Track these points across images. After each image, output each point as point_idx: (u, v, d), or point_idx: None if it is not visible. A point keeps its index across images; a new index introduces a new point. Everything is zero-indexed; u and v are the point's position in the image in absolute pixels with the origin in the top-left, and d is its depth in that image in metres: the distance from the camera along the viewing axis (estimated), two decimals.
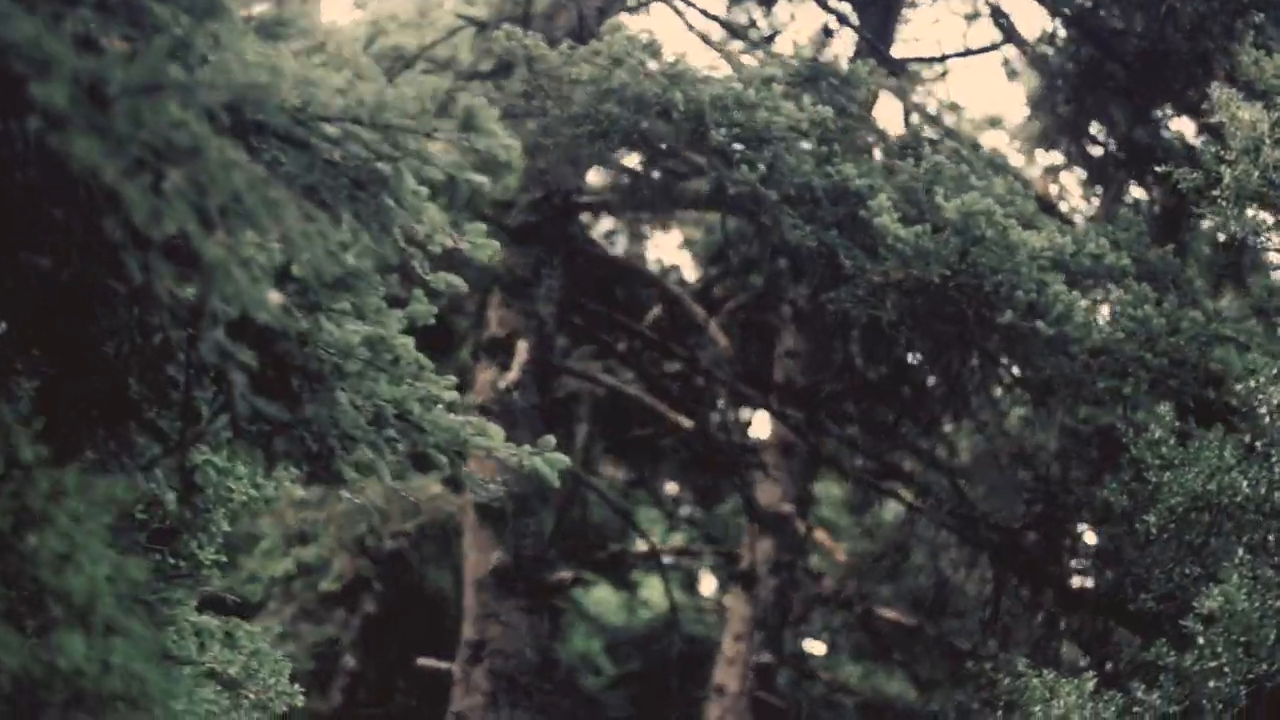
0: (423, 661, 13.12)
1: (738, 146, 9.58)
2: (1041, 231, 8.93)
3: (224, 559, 6.24)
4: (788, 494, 16.23)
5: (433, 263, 5.15)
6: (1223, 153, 8.00)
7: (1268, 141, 7.79)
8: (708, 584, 23.21)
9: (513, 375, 11.65)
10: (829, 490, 20.11)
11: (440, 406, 5.34)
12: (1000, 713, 8.25)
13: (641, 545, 16.79)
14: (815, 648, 19.48)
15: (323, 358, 4.78)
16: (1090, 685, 7.47)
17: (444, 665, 12.72)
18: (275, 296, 3.70)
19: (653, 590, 27.71)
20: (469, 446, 5.37)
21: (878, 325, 16.25)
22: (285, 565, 15.64)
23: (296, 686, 6.43)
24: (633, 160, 13.16)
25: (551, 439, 5.85)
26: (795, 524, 16.08)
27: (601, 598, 28.98)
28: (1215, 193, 8.04)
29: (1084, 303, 8.84)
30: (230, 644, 6.28)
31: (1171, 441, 8.53)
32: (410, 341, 5.19)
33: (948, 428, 15.56)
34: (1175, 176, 8.44)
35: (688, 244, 18.24)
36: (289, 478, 6.21)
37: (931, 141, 11.69)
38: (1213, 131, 9.11)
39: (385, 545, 15.23)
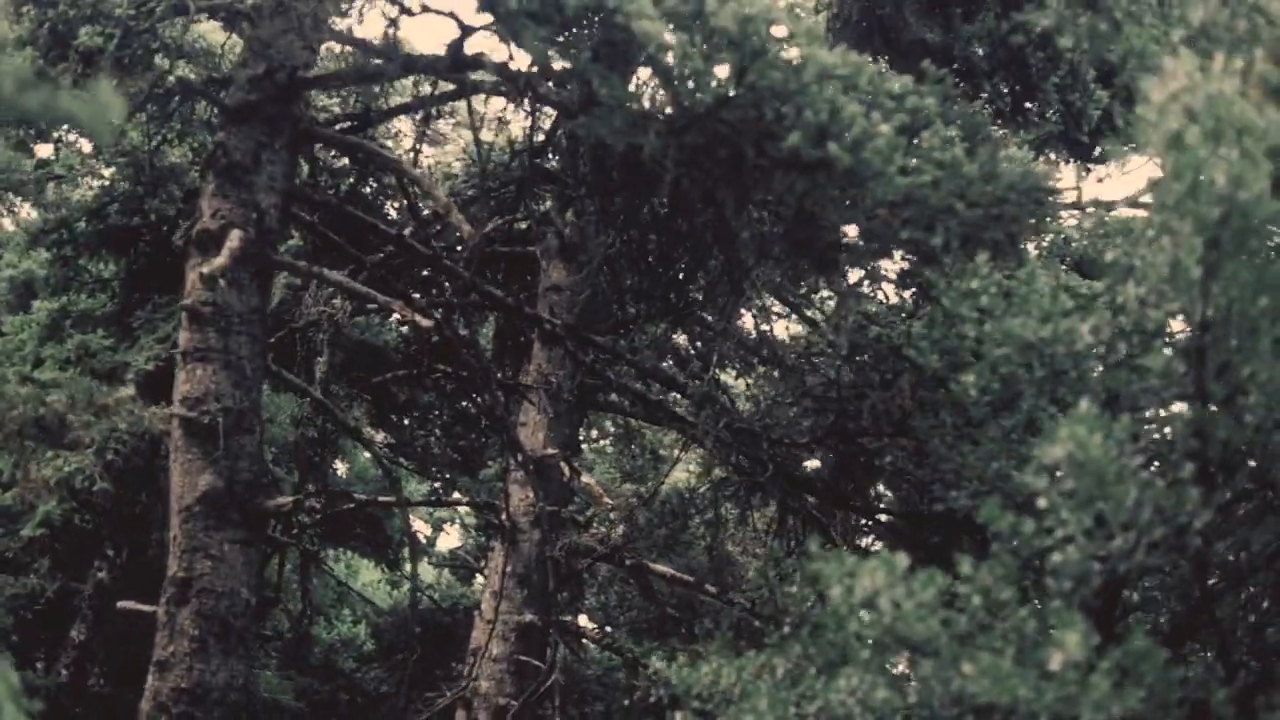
0: (123, 605, 11.30)
1: None
2: (834, 50, 7.65)
3: None
4: (552, 438, 14.86)
5: None
6: None
7: None
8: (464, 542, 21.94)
9: (220, 260, 9.98)
10: (598, 432, 18.90)
11: None
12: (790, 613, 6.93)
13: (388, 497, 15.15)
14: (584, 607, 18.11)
15: None
16: (904, 562, 5.96)
17: (148, 608, 10.96)
18: None
19: (423, 570, 26.36)
20: None
21: (644, 240, 15.30)
22: None
23: None
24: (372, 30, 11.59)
25: None
26: (560, 469, 14.70)
27: (370, 580, 27.51)
28: None
29: (885, 128, 7.55)
30: None
31: (993, 290, 7.28)
32: None
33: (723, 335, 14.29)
34: None
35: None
36: None
37: None
38: None
39: (97, 485, 13.44)
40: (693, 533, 18.42)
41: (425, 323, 10.34)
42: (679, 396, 15.41)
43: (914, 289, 10.16)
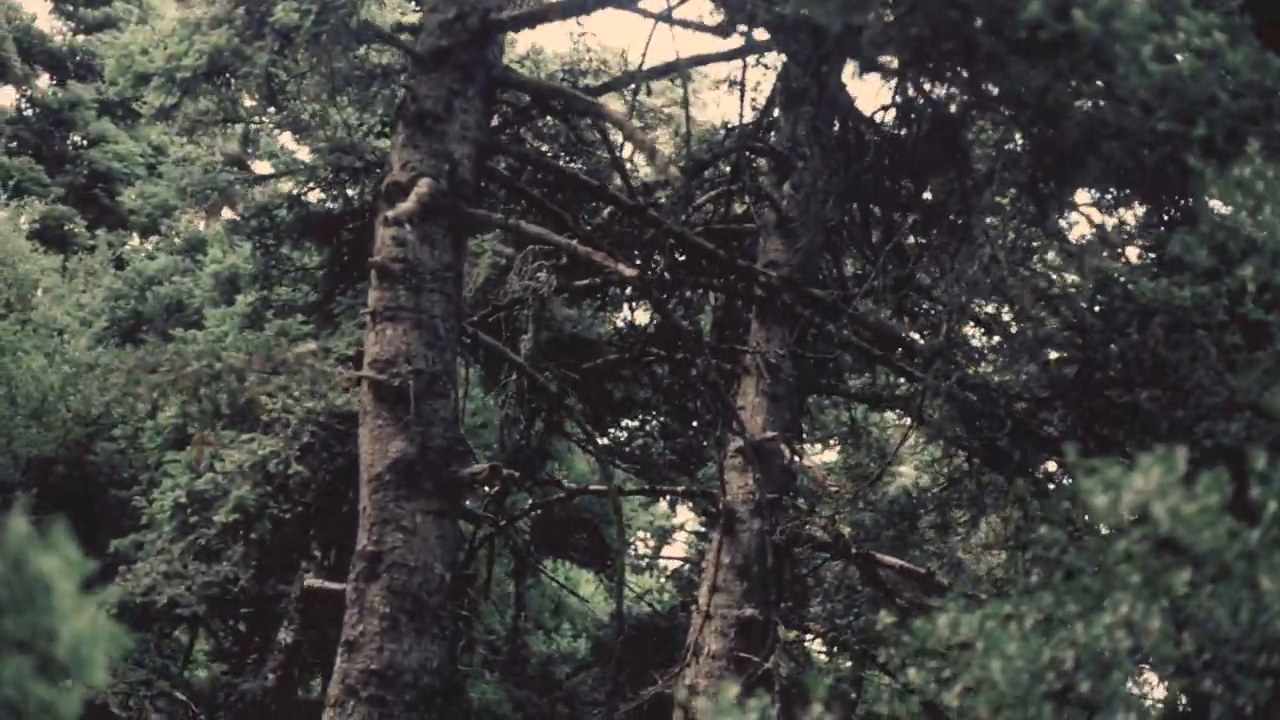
0: (311, 583, 10.64)
1: None
2: None
3: None
4: (772, 421, 13.83)
5: None
6: None
7: None
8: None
9: (407, 205, 9.25)
10: (821, 432, 17.86)
11: None
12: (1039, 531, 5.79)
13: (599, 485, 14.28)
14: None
15: None
16: (1183, 461, 4.68)
17: (337, 586, 10.27)
18: None
19: (644, 581, 25.54)
20: None
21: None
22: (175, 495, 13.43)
23: None
24: None
25: None
26: (781, 452, 13.65)
27: (589, 593, 26.83)
28: None
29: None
30: None
31: (1270, 174, 6.04)
32: None
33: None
34: None
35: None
36: None
37: None
38: None
39: (291, 469, 12.92)
40: (920, 535, 17.24)
41: (629, 272, 9.46)
42: (904, 381, 14.31)
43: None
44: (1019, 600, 6.03)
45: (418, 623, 9.78)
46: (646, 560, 28.01)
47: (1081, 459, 5.05)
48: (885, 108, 11.24)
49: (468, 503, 12.15)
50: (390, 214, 9.29)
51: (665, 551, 27.93)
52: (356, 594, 9.84)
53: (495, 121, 11.66)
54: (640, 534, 26.61)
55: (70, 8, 34.27)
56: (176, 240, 24.65)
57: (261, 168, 18.18)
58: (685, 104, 13.05)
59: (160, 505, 14.45)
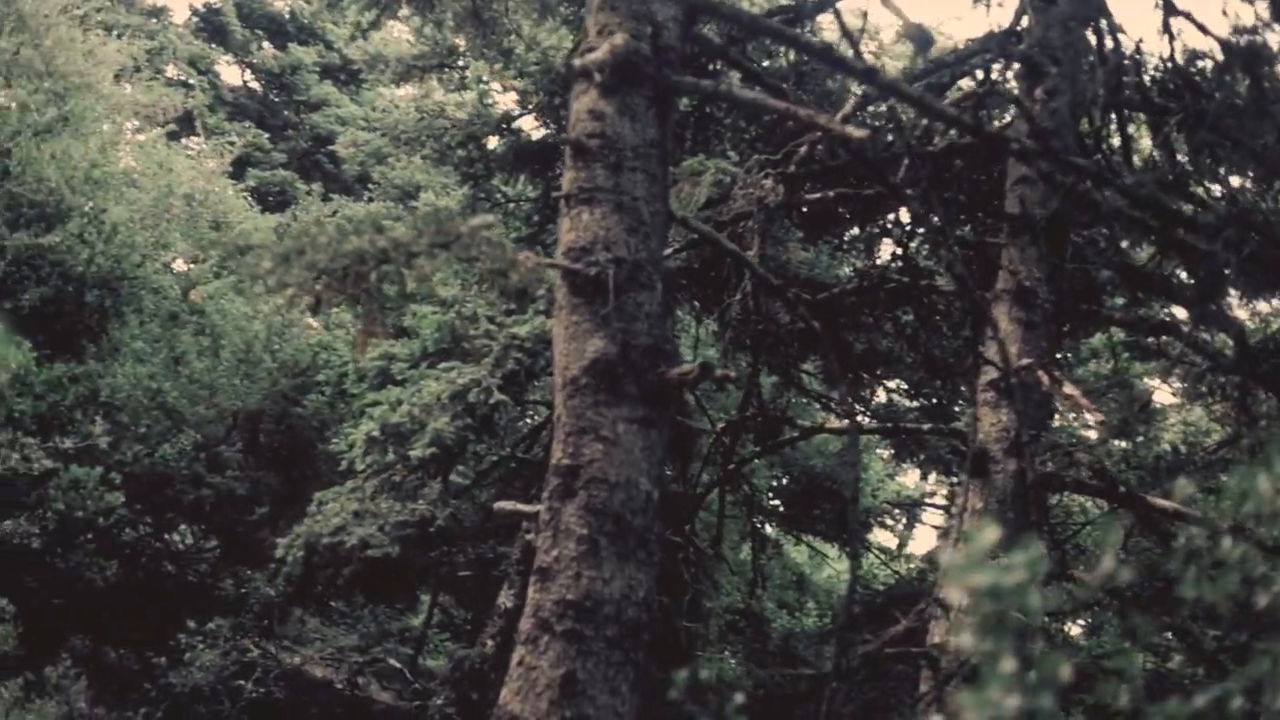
0: (502, 505, 9.41)
1: None
2: None
3: None
4: (1028, 350, 12.22)
5: None
6: None
7: None
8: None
9: (598, 54, 7.97)
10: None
11: None
12: None
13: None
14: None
15: None
16: None
17: (529, 508, 9.05)
18: None
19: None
20: None
21: None
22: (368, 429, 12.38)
23: None
24: None
25: None
26: (1040, 380, 12.02)
27: (837, 571, 25.34)
28: None
29: None
30: None
31: None
32: None
33: None
34: None
35: None
36: None
37: None
38: None
39: (493, 397, 11.73)
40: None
41: (856, 133, 8.00)
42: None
43: None
44: None
45: (620, 546, 8.48)
46: (895, 530, 26.45)
47: None
48: None
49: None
50: (577, 63, 8.01)
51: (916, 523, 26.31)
52: (550, 514, 8.60)
53: None
54: (886, 505, 24.93)
55: None
56: (391, 189, 24.01)
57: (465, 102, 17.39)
58: None
59: (354, 441, 13.50)
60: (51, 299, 18.43)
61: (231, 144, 25.84)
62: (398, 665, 18.17)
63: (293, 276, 7.49)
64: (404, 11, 15.29)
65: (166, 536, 19.72)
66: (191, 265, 22.11)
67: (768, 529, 20.55)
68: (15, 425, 16.56)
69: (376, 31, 14.09)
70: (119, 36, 25.44)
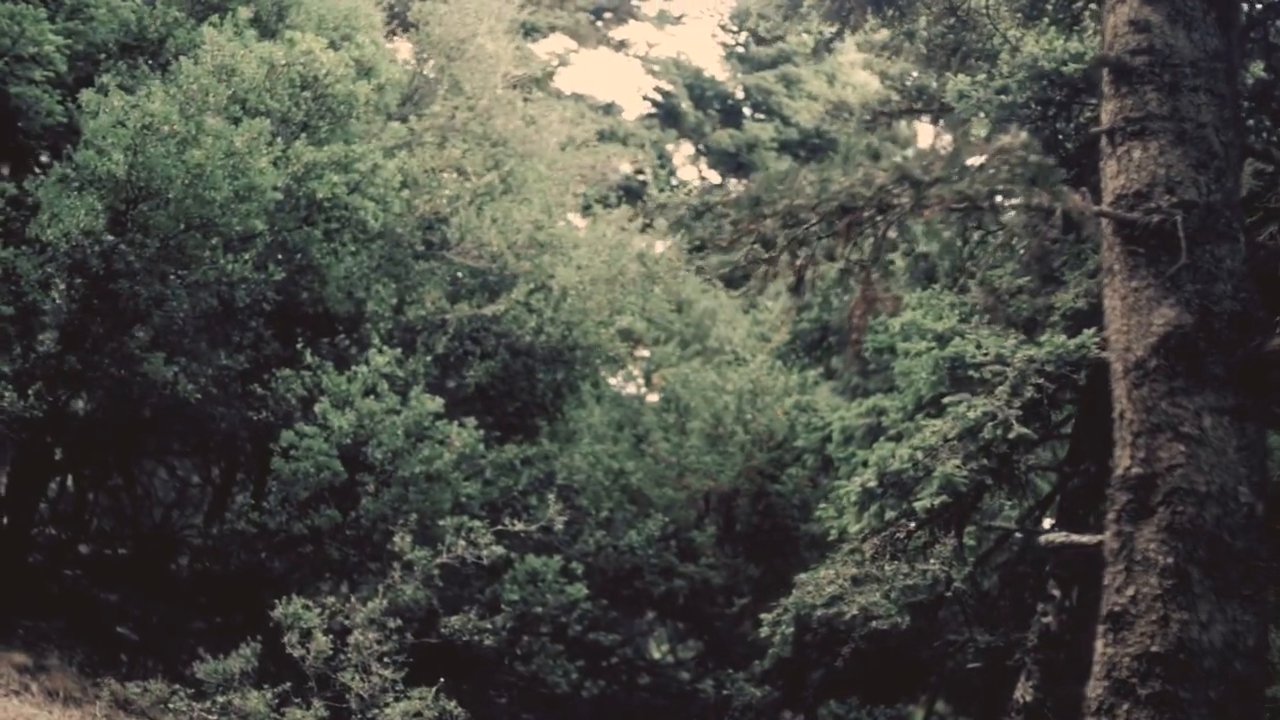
0: (1052, 538, 7.35)
1: None
2: None
3: None
4: None
5: None
6: None
7: None
8: None
9: None
10: None
11: None
12: None
13: None
14: None
15: None
16: None
17: (1089, 539, 6.98)
18: None
19: None
20: None
21: None
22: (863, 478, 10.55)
23: None
24: None
25: None
26: None
27: None
28: None
29: None
30: None
31: None
32: None
33: None
34: None
35: None
36: None
37: None
38: None
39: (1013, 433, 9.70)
40: None
41: None
42: None
43: None
44: None
45: (1217, 578, 6.30)
46: None
47: None
48: None
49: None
50: None
51: None
52: (1120, 541, 6.54)
53: None
54: None
55: (741, 50, 33.30)
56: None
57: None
58: None
59: (846, 496, 11.69)
60: (499, 374, 17.58)
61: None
62: None
63: (756, 230, 5.86)
64: (870, 24, 13.92)
65: (639, 640, 18.46)
66: (654, 347, 21.09)
67: None
68: (462, 510, 15.61)
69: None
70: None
